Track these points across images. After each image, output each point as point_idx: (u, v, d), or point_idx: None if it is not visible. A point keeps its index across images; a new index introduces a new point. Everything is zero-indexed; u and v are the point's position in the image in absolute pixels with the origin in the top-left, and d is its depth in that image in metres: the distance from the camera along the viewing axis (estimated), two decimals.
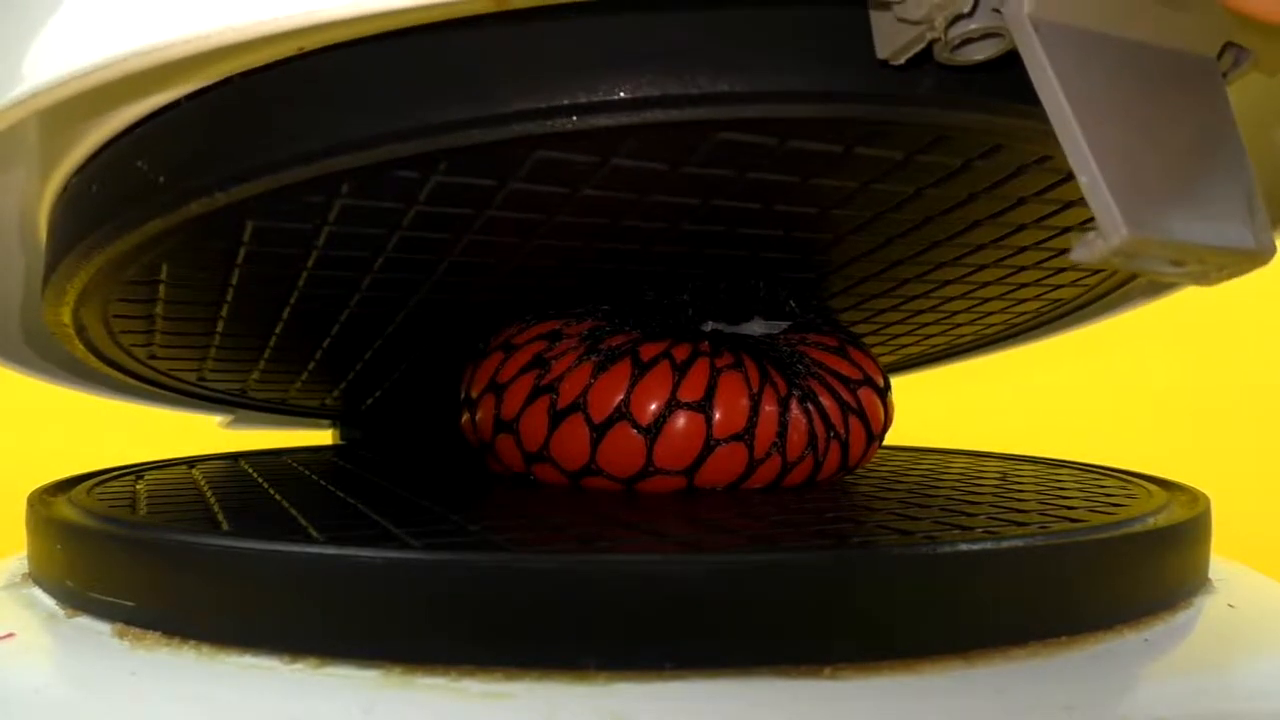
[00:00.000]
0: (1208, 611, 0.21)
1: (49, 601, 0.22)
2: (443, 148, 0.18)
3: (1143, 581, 0.21)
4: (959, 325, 0.35)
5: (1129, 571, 0.20)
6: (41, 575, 0.23)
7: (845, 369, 0.28)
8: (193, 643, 0.19)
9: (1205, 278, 0.16)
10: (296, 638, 0.18)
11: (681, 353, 0.26)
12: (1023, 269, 0.28)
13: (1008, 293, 0.31)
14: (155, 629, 0.19)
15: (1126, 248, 0.14)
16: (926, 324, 0.34)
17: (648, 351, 0.26)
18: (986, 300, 0.32)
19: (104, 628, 0.20)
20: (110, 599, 0.20)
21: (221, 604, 0.19)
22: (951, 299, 0.31)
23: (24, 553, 0.25)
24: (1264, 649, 0.21)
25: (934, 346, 0.38)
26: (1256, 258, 0.16)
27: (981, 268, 0.28)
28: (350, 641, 0.18)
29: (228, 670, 0.18)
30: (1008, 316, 0.34)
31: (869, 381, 0.28)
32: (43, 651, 0.20)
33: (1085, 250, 0.15)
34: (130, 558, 0.20)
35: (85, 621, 0.20)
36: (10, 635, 0.20)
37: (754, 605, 0.17)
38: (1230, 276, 0.16)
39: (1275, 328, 0.49)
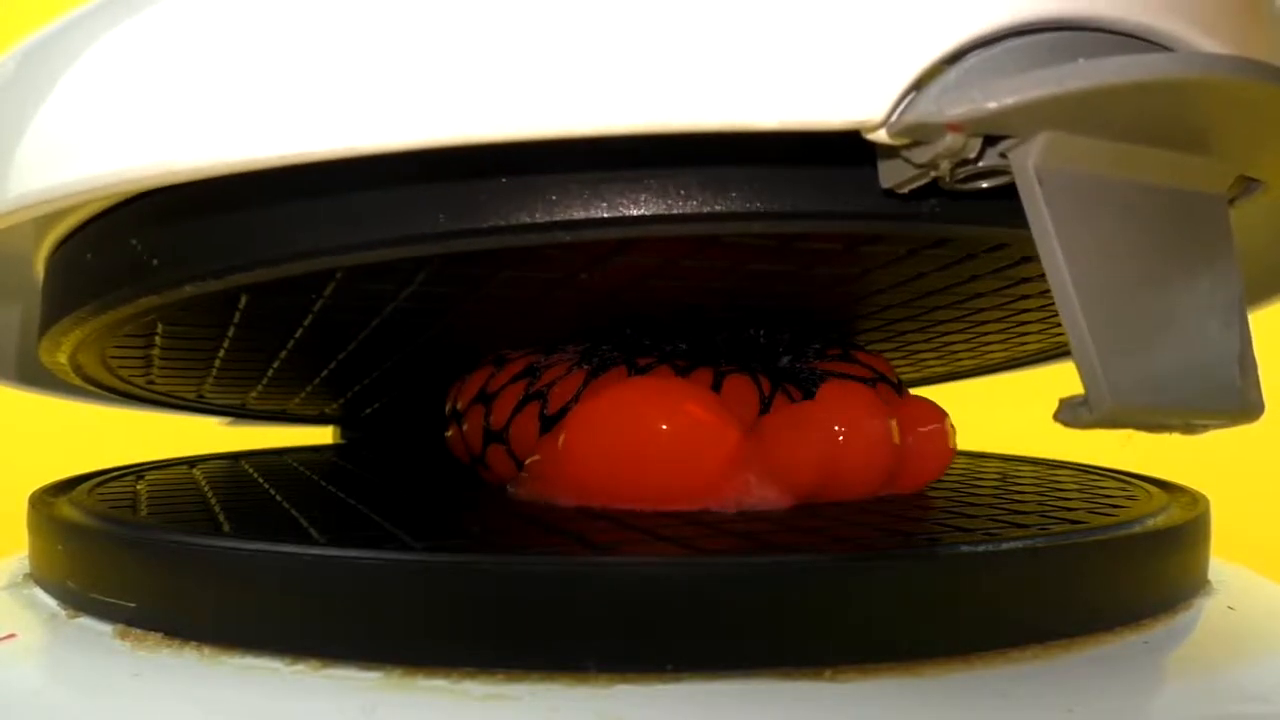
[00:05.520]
0: (1207, 613, 0.21)
1: (50, 602, 0.22)
2: (439, 254, 0.18)
3: (1143, 583, 0.21)
4: (960, 360, 0.35)
5: (1129, 573, 0.20)
6: (43, 576, 0.23)
7: (857, 371, 0.27)
8: (194, 644, 0.19)
9: (1190, 431, 0.16)
10: (298, 639, 0.18)
11: (683, 361, 0.26)
12: (1026, 322, 0.28)
13: (1009, 339, 0.31)
14: (157, 630, 0.19)
15: (1112, 417, 0.14)
16: (926, 358, 0.35)
17: (645, 360, 0.26)
18: (988, 343, 0.32)
19: (105, 629, 0.20)
20: (111, 600, 0.20)
21: (223, 605, 0.19)
22: (953, 343, 0.31)
23: (25, 553, 0.25)
24: (1264, 651, 0.21)
25: (934, 373, 0.38)
26: (1244, 417, 0.16)
27: (984, 323, 0.28)
28: (351, 643, 0.18)
29: (229, 671, 0.18)
30: (1009, 353, 0.34)
31: (883, 379, 0.28)
32: (44, 653, 0.20)
33: (1070, 416, 0.14)
34: (131, 559, 0.20)
35: (87, 622, 0.20)
36: (11, 636, 0.20)
37: (754, 607, 0.17)
38: (1217, 429, 0.16)
39: (1275, 328, 0.49)
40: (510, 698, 0.16)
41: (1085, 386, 0.14)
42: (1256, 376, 0.16)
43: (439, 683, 0.17)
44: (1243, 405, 0.15)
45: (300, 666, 0.18)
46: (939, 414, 0.26)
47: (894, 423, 0.24)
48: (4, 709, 0.18)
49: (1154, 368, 0.15)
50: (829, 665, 0.17)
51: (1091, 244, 0.14)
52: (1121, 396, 0.14)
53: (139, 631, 0.19)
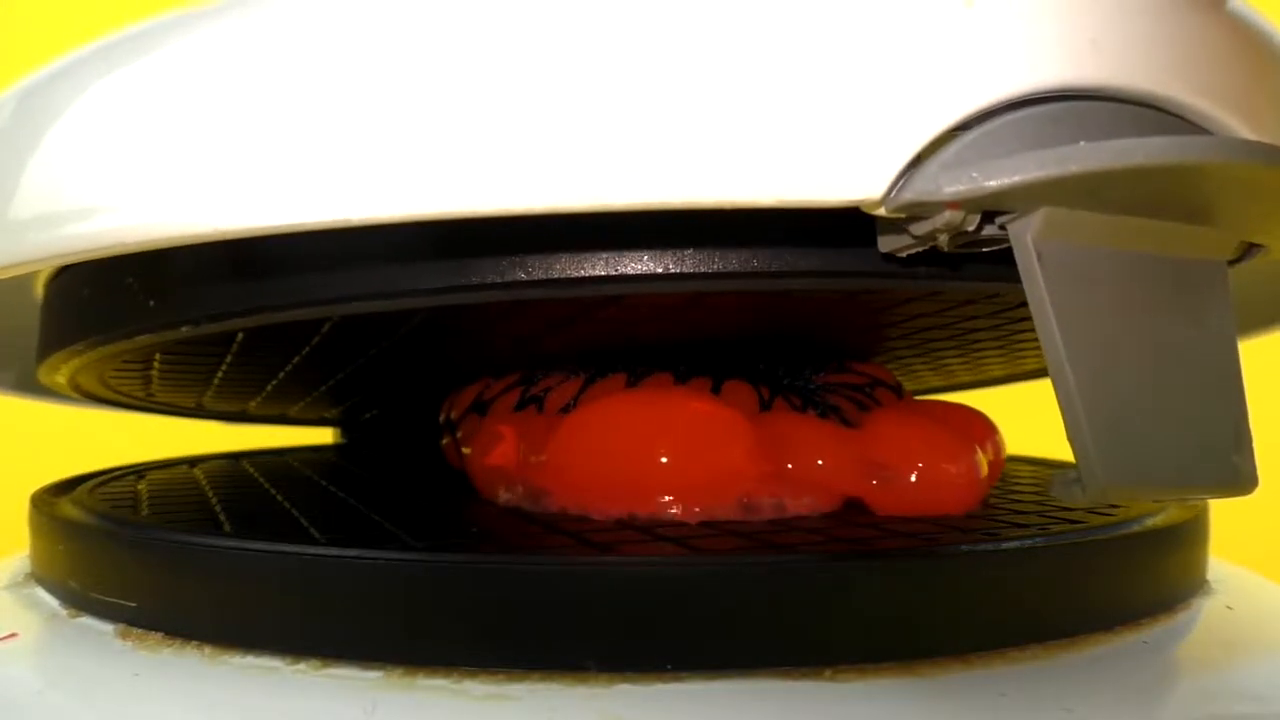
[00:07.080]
0: (1206, 613, 0.21)
1: (51, 602, 0.22)
2: (435, 305, 0.18)
3: (1141, 583, 0.21)
4: (957, 376, 0.35)
5: (1128, 573, 0.20)
6: (44, 575, 0.23)
7: (853, 379, 0.27)
8: (195, 643, 0.19)
9: (1184, 502, 0.15)
10: (299, 638, 0.18)
11: (683, 367, 0.26)
12: (1024, 345, 0.28)
13: (1009, 359, 0.31)
14: (158, 630, 0.19)
15: (1105, 496, 0.14)
16: (923, 374, 0.35)
17: (643, 371, 0.26)
18: (986, 363, 0.32)
19: (106, 628, 0.20)
20: (113, 599, 0.20)
21: (224, 605, 0.19)
22: (950, 365, 0.31)
23: (26, 553, 0.25)
24: (1263, 651, 0.21)
25: (931, 385, 0.38)
26: (1238, 491, 0.15)
27: (981, 350, 0.28)
28: (352, 642, 0.18)
29: (230, 671, 0.18)
30: (1008, 370, 0.34)
31: (881, 383, 0.28)
32: (45, 652, 0.20)
33: (1064, 492, 0.14)
34: (132, 558, 0.20)
35: (88, 622, 0.20)
36: (12, 635, 0.20)
37: (754, 607, 0.17)
38: (1210, 499, 0.16)
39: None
40: (510, 698, 0.16)
41: (1079, 464, 0.14)
42: (1251, 448, 0.16)
43: (439, 682, 0.17)
44: (1237, 479, 0.15)
45: (301, 666, 0.18)
46: (992, 427, 0.26)
47: (982, 456, 0.23)
48: (4, 709, 0.18)
49: (1149, 445, 0.14)
50: (829, 665, 0.17)
51: (1089, 318, 0.14)
52: (1115, 476, 0.14)
53: (140, 631, 0.19)
